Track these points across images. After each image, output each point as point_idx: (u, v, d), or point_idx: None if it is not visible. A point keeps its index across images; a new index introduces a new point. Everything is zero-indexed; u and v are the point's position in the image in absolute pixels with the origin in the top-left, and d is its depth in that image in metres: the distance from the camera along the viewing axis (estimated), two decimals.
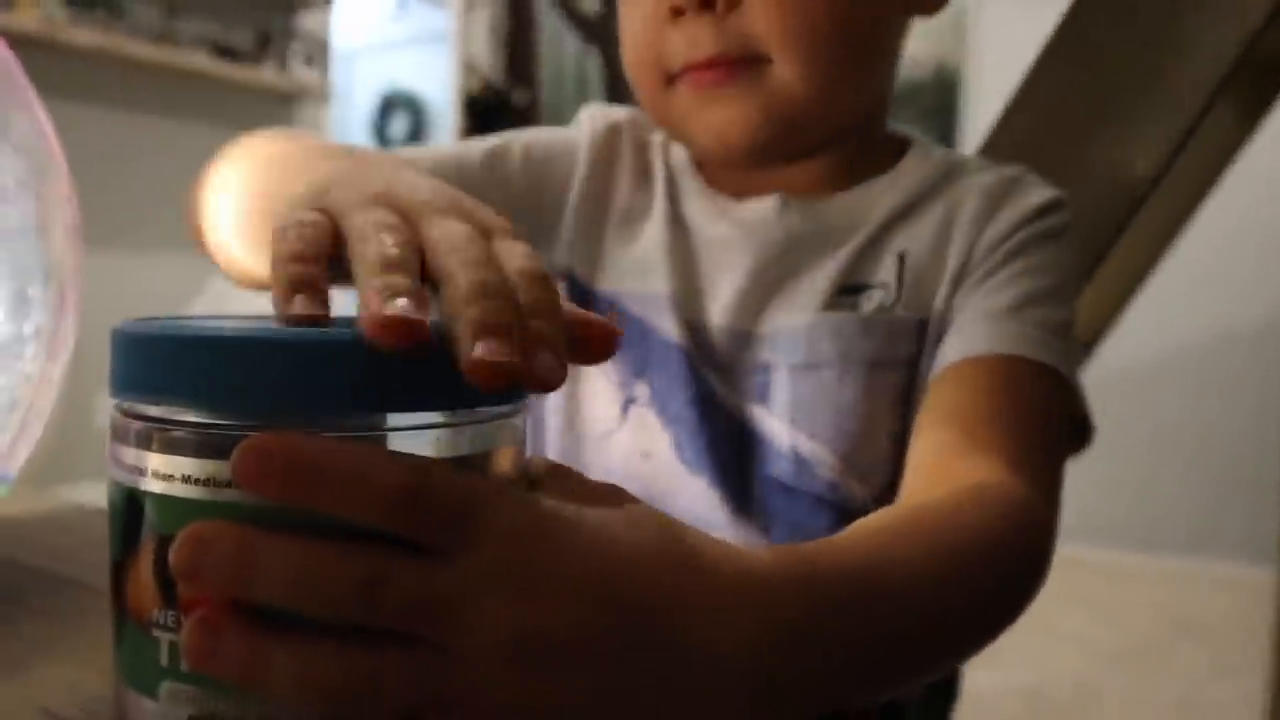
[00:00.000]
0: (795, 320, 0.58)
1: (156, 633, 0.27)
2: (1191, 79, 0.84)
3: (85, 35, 2.96)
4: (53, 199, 0.54)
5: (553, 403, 0.62)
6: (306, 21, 3.76)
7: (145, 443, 0.28)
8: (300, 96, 3.72)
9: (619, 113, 0.69)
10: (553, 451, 0.61)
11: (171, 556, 0.25)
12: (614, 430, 0.60)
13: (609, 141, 0.66)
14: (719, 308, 0.59)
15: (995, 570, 0.43)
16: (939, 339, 0.57)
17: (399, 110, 5.05)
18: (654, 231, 0.62)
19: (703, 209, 0.63)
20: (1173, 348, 3.07)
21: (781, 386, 0.57)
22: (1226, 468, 3.03)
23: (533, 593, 0.26)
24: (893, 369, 0.57)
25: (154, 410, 0.28)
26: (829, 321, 0.57)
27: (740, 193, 0.62)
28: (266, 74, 3.52)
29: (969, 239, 0.58)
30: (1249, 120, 1.23)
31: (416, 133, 4.99)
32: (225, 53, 3.41)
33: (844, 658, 0.34)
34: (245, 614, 0.25)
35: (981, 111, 3.34)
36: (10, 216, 0.52)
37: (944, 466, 0.49)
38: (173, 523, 0.26)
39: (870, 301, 0.58)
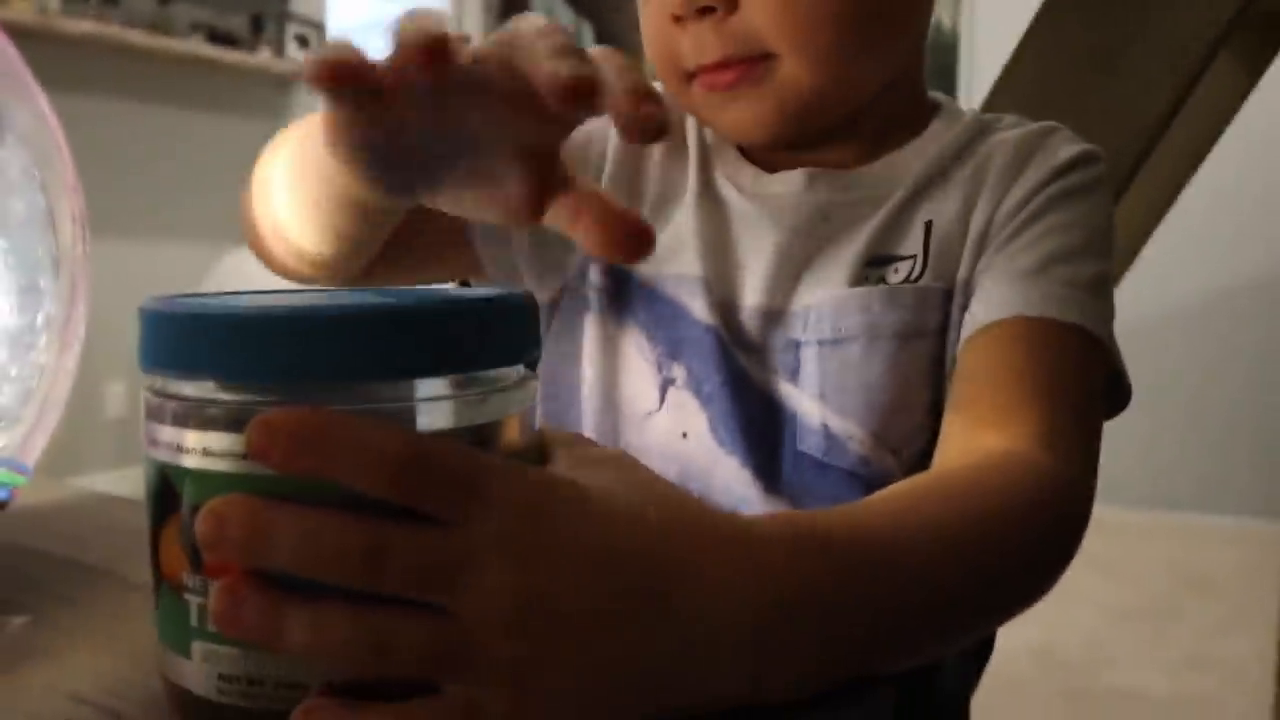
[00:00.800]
0: (823, 296, 0.57)
1: (187, 596, 0.29)
2: (1191, 29, 0.84)
3: (79, 25, 2.95)
4: (58, 189, 0.54)
5: (590, 383, 0.61)
6: (300, 4, 3.74)
7: (173, 418, 0.29)
8: (297, 80, 3.71)
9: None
10: (590, 430, 0.61)
11: (195, 527, 0.27)
12: (654, 411, 0.60)
13: None
14: (750, 288, 0.59)
15: (1023, 537, 0.43)
16: (965, 306, 0.56)
17: None
18: (686, 211, 0.61)
19: (734, 183, 0.62)
20: (1177, 302, 3.06)
21: (810, 363, 0.56)
22: (1234, 422, 3.03)
23: (534, 561, 0.27)
24: (921, 339, 0.56)
25: (179, 386, 0.30)
26: (855, 296, 0.56)
27: (772, 165, 0.62)
28: (262, 58, 3.51)
29: (993, 202, 0.57)
30: (1249, 74, 1.23)
31: None
32: (220, 38, 3.40)
33: (858, 625, 0.34)
34: (264, 580, 0.27)
35: (979, 71, 3.32)
36: (17, 208, 0.52)
37: (971, 435, 0.49)
38: (198, 494, 0.28)
39: (897, 274, 0.57)
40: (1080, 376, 0.53)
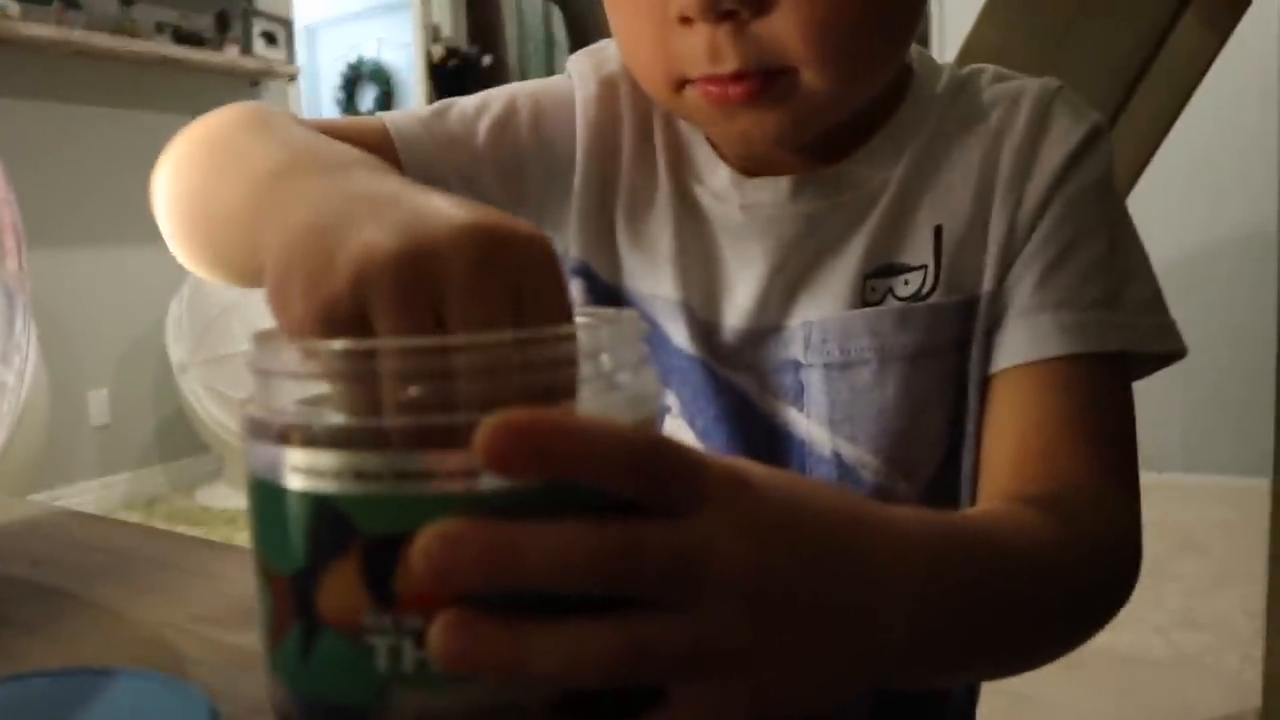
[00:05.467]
0: (825, 314, 0.54)
1: (372, 639, 0.26)
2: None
3: (41, 29, 2.91)
4: None
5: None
6: (265, 0, 3.70)
7: (337, 443, 0.27)
8: (266, 76, 3.68)
9: (612, 63, 0.60)
10: None
11: (417, 559, 0.25)
12: None
13: (607, 106, 0.59)
14: (738, 309, 0.55)
15: (1093, 572, 0.45)
16: (993, 323, 0.53)
17: (366, 82, 5.00)
18: (661, 224, 0.57)
19: (711, 189, 0.57)
20: (1157, 263, 3.06)
21: (817, 388, 0.54)
22: (1218, 381, 3.04)
23: (762, 540, 0.28)
24: (935, 357, 0.53)
25: (357, 423, 0.27)
26: (863, 317, 0.53)
27: (751, 166, 0.57)
28: (230, 56, 3.48)
29: (1010, 204, 0.53)
30: (1217, 34, 1.22)
31: (386, 103, 4.94)
32: (186, 38, 3.37)
33: (973, 617, 0.37)
34: (485, 606, 0.26)
35: (949, 35, 3.31)
36: None
37: (1024, 476, 0.49)
38: (381, 523, 0.26)
39: (907, 286, 0.53)
40: (1122, 408, 0.52)
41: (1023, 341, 0.51)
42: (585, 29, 4.30)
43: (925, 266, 0.54)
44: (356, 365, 0.27)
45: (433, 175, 0.55)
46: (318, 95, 5.02)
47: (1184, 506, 2.92)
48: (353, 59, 5.01)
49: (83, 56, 3.10)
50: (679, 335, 0.55)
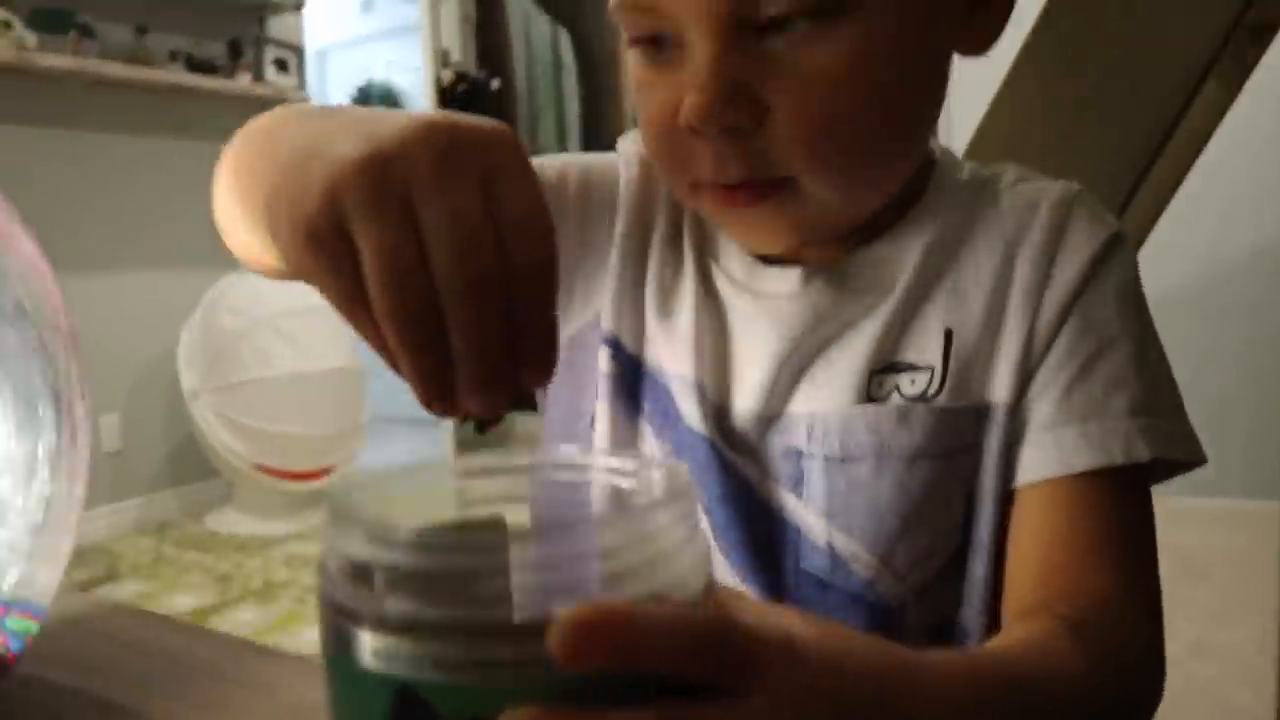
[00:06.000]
0: (829, 407, 0.55)
1: None
2: (1172, 73, 0.84)
3: (58, 60, 2.94)
4: (49, 316, 0.54)
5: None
6: (276, 27, 3.73)
7: (420, 633, 0.28)
8: (277, 102, 3.70)
9: None
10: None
11: None
12: None
13: (645, 188, 0.62)
14: (745, 393, 0.56)
15: (1120, 693, 0.46)
16: (1013, 436, 0.53)
17: (375, 105, 5.02)
18: (685, 304, 0.59)
19: (728, 273, 0.59)
20: (1165, 284, 3.07)
21: (816, 478, 0.54)
22: (1226, 404, 3.04)
23: (815, 712, 0.30)
24: (935, 459, 0.53)
25: (439, 613, 0.28)
26: (864, 414, 0.53)
27: (767, 255, 0.59)
28: (242, 84, 3.50)
29: (1026, 316, 0.54)
30: (1230, 90, 1.23)
31: None
32: (199, 66, 3.39)
33: None
34: None
35: (960, 116, 3.32)
36: (9, 339, 0.52)
37: (1049, 591, 0.50)
38: (461, 709, 0.27)
39: (913, 385, 0.54)
40: (1148, 517, 0.53)
41: (1050, 457, 0.52)
42: (592, 53, 4.32)
43: (932, 368, 0.54)
44: (436, 560, 0.29)
45: None
46: None
47: (1194, 532, 2.92)
48: (362, 82, 5.04)
49: (98, 85, 3.12)
50: (691, 414, 0.57)
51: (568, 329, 0.62)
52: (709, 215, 0.57)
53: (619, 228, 0.61)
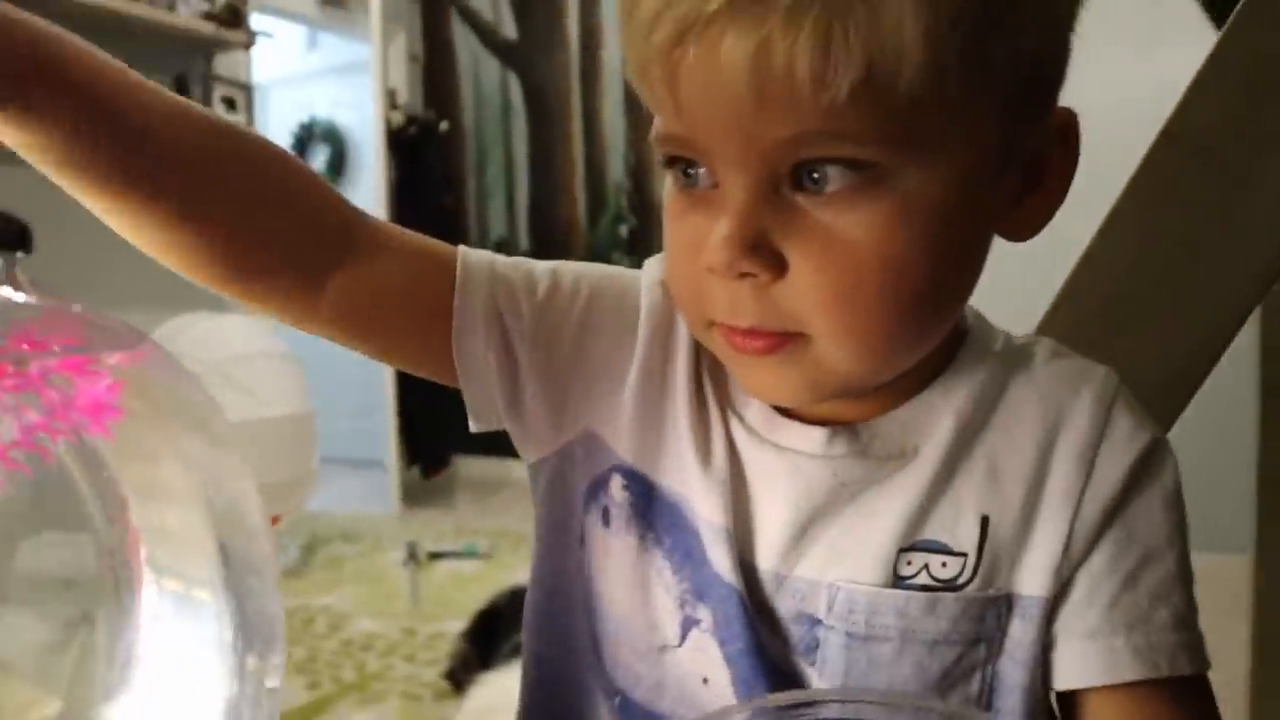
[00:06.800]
0: (854, 578, 0.53)
1: None
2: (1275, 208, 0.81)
3: None
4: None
5: (600, 597, 0.58)
6: (224, 65, 3.67)
7: None
8: None
9: None
10: (589, 649, 0.58)
11: None
12: (672, 646, 0.56)
13: (666, 313, 0.59)
14: (765, 549, 0.55)
15: None
16: (1041, 629, 0.53)
17: (317, 142, 4.96)
18: (718, 448, 0.56)
19: (746, 420, 0.57)
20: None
21: (834, 650, 0.54)
22: (1201, 460, 3.13)
23: None
24: (953, 646, 0.53)
25: None
26: (895, 599, 0.53)
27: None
28: None
29: (1066, 515, 0.53)
30: None
31: (338, 163, 4.91)
32: None
33: None
34: None
35: None
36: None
37: None
38: None
39: (944, 569, 0.53)
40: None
41: (1097, 666, 0.53)
42: (545, 98, 4.33)
43: (966, 555, 0.53)
44: None
45: (476, 305, 0.57)
46: None
47: None
48: (305, 119, 4.97)
49: None
50: (722, 563, 0.54)
51: (559, 439, 0.59)
52: (721, 356, 0.54)
53: (639, 354, 0.58)
